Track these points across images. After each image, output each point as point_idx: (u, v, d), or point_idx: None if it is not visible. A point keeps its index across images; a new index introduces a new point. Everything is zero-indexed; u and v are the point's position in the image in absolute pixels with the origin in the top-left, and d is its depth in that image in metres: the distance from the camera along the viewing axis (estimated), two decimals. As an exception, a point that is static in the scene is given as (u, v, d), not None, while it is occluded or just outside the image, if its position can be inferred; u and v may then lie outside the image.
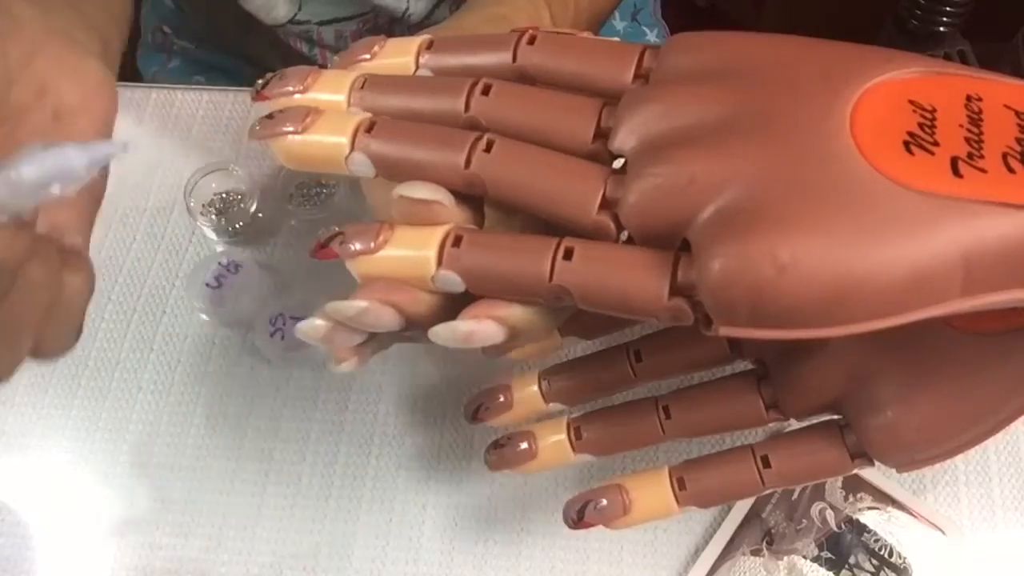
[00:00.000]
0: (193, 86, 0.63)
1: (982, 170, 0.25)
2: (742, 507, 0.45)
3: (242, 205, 0.55)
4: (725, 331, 0.26)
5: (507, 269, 0.28)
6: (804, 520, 0.45)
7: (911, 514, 0.45)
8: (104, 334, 0.53)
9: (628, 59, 0.30)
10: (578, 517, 0.36)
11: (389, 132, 0.30)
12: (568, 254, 0.27)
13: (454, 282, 0.29)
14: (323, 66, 0.75)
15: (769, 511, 0.45)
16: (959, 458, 0.47)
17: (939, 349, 0.32)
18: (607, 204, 0.28)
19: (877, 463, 0.35)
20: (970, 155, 0.25)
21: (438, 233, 0.29)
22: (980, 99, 0.26)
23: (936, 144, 0.25)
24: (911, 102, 0.26)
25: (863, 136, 0.26)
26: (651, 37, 0.79)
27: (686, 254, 0.27)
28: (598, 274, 0.27)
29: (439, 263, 0.28)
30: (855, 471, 0.35)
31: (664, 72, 0.29)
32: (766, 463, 0.36)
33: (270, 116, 0.30)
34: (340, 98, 0.31)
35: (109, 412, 0.51)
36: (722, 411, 0.37)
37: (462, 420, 0.48)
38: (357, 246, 0.29)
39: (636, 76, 0.30)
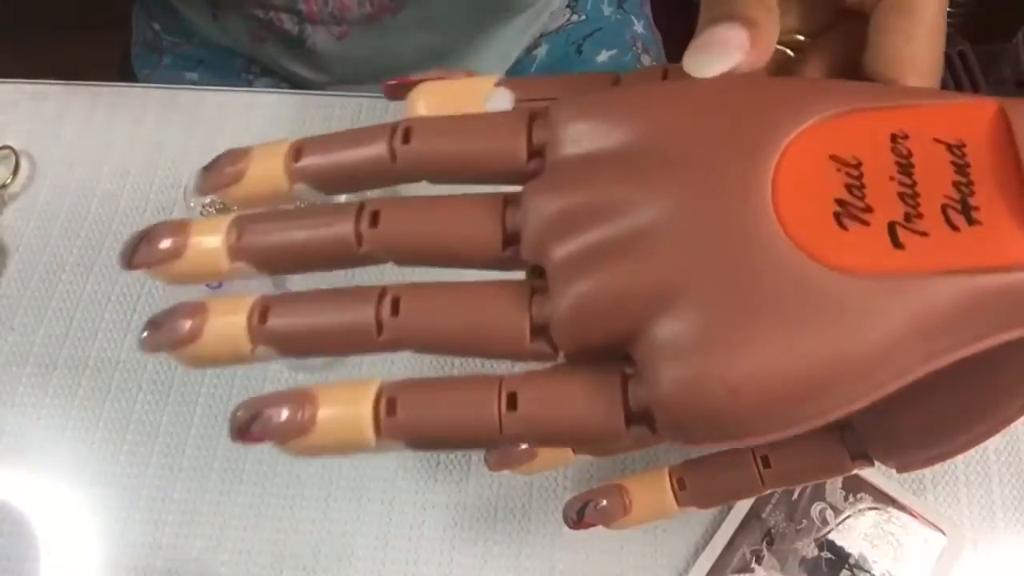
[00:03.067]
0: (194, 86, 0.63)
1: (923, 234, 0.23)
2: (742, 507, 0.45)
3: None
4: (689, 447, 0.25)
5: (452, 432, 0.26)
6: (804, 520, 0.45)
7: (911, 514, 0.45)
8: (104, 334, 0.53)
9: (516, 138, 0.27)
10: (578, 517, 0.36)
11: (286, 312, 0.27)
12: (512, 402, 0.25)
13: (397, 447, 0.26)
14: (301, 41, 0.71)
15: (769, 511, 0.45)
16: (959, 458, 0.47)
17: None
18: (537, 330, 0.26)
19: (877, 463, 0.35)
20: (907, 216, 0.23)
21: (367, 405, 0.26)
22: (906, 136, 0.24)
23: (869, 210, 0.23)
24: (833, 158, 0.24)
25: (790, 217, 0.24)
26: (638, 28, 0.78)
27: (633, 374, 0.25)
28: (548, 420, 0.25)
29: (377, 432, 0.26)
30: (855, 471, 0.35)
31: (560, 154, 0.26)
32: (766, 463, 0.35)
33: (155, 324, 0.27)
34: (218, 263, 0.27)
35: (109, 412, 0.51)
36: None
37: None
38: (285, 431, 0.26)
39: (531, 155, 0.27)
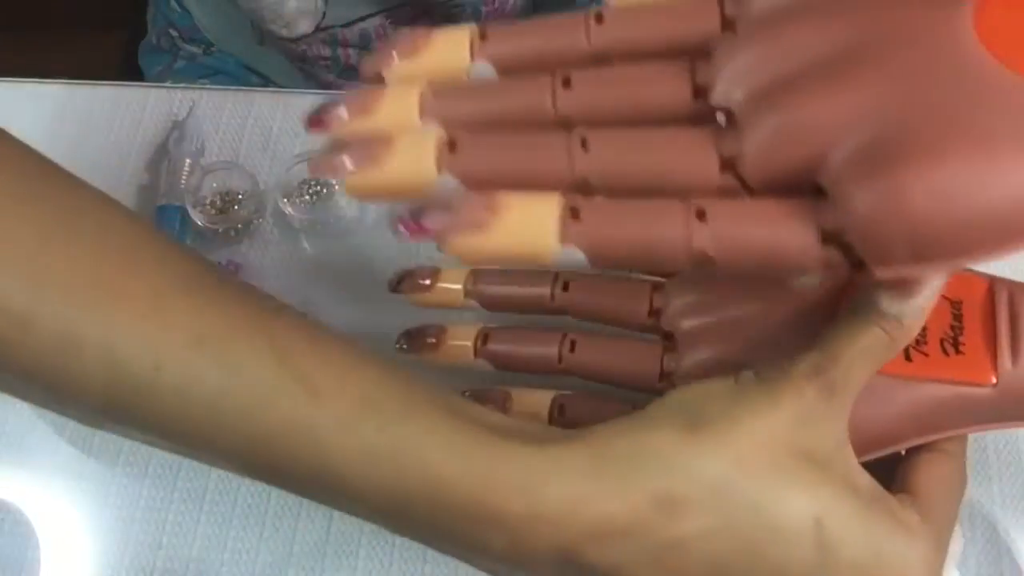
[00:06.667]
0: (193, 86, 0.63)
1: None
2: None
3: (242, 205, 0.55)
4: (882, 272, 0.24)
5: (639, 241, 0.26)
6: (805, 520, 0.45)
7: (911, 514, 0.45)
8: (104, 334, 0.53)
9: (709, 8, 0.28)
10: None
11: (476, 148, 0.27)
12: (701, 215, 0.25)
13: (577, 259, 0.26)
14: (348, 67, 0.73)
15: (770, 511, 0.45)
16: (959, 458, 0.47)
17: None
18: (726, 164, 0.26)
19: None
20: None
21: (553, 209, 0.26)
22: None
23: None
24: None
25: (991, 39, 0.24)
26: None
27: (822, 199, 0.25)
28: (740, 233, 0.25)
29: (561, 237, 0.26)
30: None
31: (753, 15, 0.27)
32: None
33: (336, 144, 0.27)
34: (411, 116, 0.28)
35: (109, 412, 0.51)
36: (620, 365, 0.38)
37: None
38: (462, 224, 0.26)
39: (723, 27, 0.28)
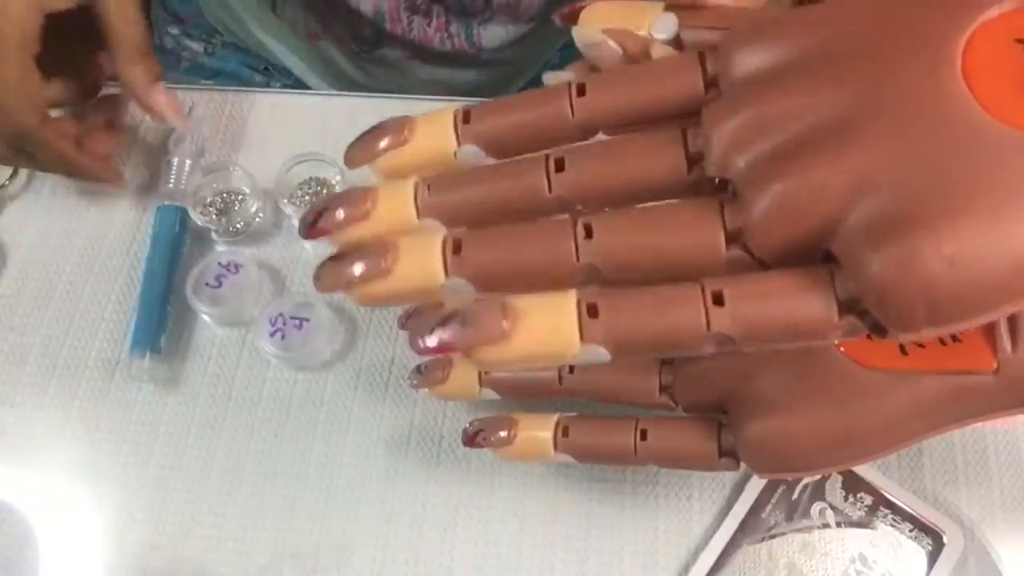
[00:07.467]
0: (193, 86, 0.63)
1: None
2: (742, 507, 0.46)
3: (242, 205, 0.55)
4: (904, 336, 0.24)
5: (658, 332, 0.25)
6: (804, 520, 0.45)
7: (911, 514, 0.45)
8: (104, 334, 0.53)
9: (691, 71, 0.28)
10: (471, 440, 0.40)
11: (480, 248, 0.27)
12: (718, 299, 0.25)
13: (600, 356, 0.26)
14: (373, 23, 0.69)
15: (769, 511, 0.45)
16: (959, 458, 0.47)
17: (826, 368, 0.33)
18: (732, 237, 0.26)
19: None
20: None
21: (570, 309, 0.26)
22: None
23: None
24: (1019, 41, 0.24)
25: (983, 92, 0.24)
26: None
27: (836, 268, 0.25)
28: (758, 313, 0.25)
29: (581, 337, 0.25)
30: (723, 470, 0.37)
31: (736, 76, 0.27)
32: (643, 436, 0.37)
33: (338, 257, 0.27)
34: (408, 214, 0.28)
35: (109, 412, 0.51)
36: (619, 382, 0.39)
37: (463, 420, 0.48)
38: (482, 338, 0.26)
39: (706, 85, 0.28)
